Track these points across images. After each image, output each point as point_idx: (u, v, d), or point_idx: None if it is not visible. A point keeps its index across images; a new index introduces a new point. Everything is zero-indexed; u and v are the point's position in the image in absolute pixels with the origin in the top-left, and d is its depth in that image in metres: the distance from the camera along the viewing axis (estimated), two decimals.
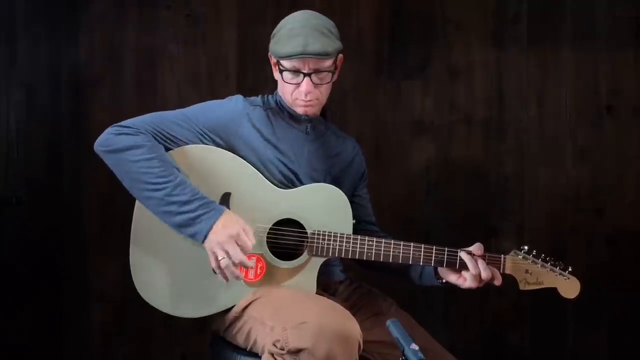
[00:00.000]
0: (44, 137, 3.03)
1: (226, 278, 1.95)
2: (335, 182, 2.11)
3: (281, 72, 2.05)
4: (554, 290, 2.09)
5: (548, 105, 3.11)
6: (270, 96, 2.16)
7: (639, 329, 3.08)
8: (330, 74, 2.06)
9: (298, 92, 2.05)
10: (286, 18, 2.08)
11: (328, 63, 2.04)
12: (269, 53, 2.10)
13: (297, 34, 2.00)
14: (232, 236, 1.91)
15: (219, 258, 1.92)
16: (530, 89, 3.11)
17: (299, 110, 2.09)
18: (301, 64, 2.01)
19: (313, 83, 2.03)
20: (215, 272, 1.98)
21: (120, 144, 1.95)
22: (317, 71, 2.03)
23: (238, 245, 1.92)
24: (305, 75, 2.02)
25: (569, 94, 3.11)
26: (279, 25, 2.08)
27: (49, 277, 3.02)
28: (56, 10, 3.03)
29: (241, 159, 2.05)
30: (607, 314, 3.11)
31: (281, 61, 2.04)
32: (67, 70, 3.04)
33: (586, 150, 3.10)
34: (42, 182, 3.02)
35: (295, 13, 2.09)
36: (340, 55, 2.09)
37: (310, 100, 2.06)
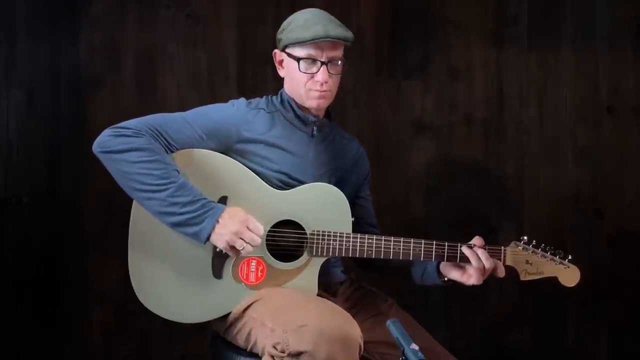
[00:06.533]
0: (44, 137, 3.02)
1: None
2: (339, 183, 2.10)
3: (298, 60, 2.03)
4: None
5: (548, 105, 3.11)
6: (274, 97, 2.15)
7: (639, 329, 3.08)
8: (341, 65, 2.07)
9: (313, 82, 2.05)
10: (295, 14, 2.09)
11: (340, 53, 2.06)
12: (275, 50, 2.10)
13: (315, 22, 2.03)
14: (242, 221, 1.93)
15: (240, 248, 1.92)
16: (530, 89, 3.11)
17: (312, 102, 2.07)
18: (319, 51, 2.02)
19: (328, 72, 2.04)
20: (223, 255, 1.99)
21: (120, 145, 1.93)
22: (331, 60, 2.04)
23: (249, 229, 1.94)
24: (322, 63, 2.03)
25: (569, 94, 3.10)
26: (288, 21, 2.09)
27: (49, 277, 3.02)
28: (56, 10, 3.02)
29: (238, 162, 2.04)
30: (607, 314, 3.11)
31: (297, 50, 2.03)
32: (67, 70, 3.04)
33: (586, 150, 3.10)
34: (42, 182, 3.02)
35: (304, 10, 2.10)
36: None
37: (325, 91, 2.06)
